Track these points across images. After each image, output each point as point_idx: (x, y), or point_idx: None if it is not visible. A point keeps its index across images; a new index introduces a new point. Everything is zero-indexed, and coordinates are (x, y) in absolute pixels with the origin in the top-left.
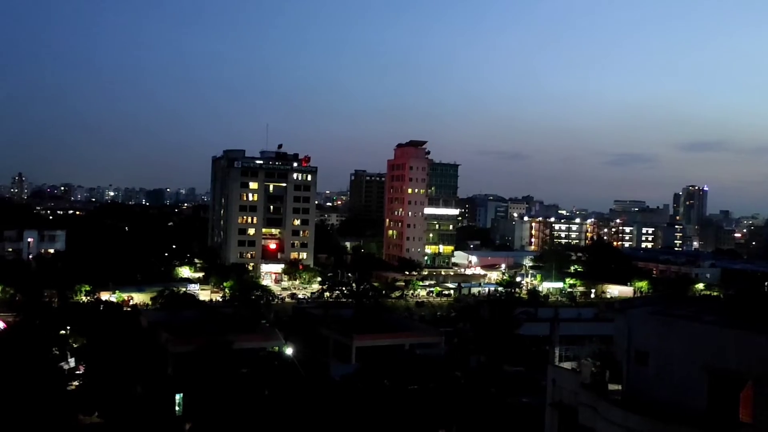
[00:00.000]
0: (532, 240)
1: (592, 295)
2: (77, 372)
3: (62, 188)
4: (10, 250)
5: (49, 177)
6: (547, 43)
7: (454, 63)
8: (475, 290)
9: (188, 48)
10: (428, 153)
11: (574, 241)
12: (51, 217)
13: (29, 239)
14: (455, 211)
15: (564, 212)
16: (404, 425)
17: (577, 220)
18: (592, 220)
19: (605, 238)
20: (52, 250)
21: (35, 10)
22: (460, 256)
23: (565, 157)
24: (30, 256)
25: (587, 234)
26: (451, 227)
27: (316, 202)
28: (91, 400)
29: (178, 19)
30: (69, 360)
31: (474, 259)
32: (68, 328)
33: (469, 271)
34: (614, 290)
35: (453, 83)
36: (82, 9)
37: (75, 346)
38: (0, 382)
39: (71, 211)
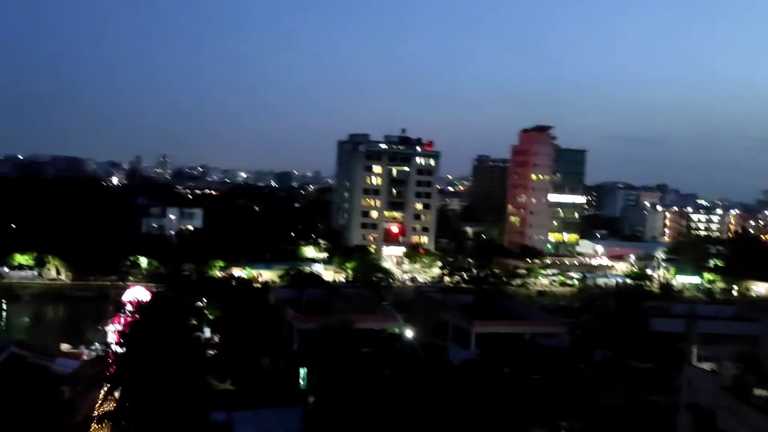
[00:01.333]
0: (666, 231)
1: (734, 293)
2: (212, 342)
3: (200, 169)
4: (155, 225)
5: (189, 159)
6: (678, 23)
7: (579, 46)
8: (601, 281)
9: (312, 35)
10: (554, 138)
11: (714, 234)
12: (190, 196)
13: (171, 216)
14: (581, 199)
15: (703, 202)
16: (525, 414)
17: (719, 211)
18: (736, 211)
19: (751, 230)
20: (190, 227)
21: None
22: (585, 246)
23: (703, 142)
24: (171, 232)
25: (729, 226)
26: (576, 215)
27: (438, 187)
28: (225, 368)
29: (295, 5)
30: (205, 330)
31: (600, 248)
32: (204, 300)
33: (594, 261)
34: (760, 288)
35: (579, 66)
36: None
37: (210, 317)
38: (149, 344)
39: (207, 191)
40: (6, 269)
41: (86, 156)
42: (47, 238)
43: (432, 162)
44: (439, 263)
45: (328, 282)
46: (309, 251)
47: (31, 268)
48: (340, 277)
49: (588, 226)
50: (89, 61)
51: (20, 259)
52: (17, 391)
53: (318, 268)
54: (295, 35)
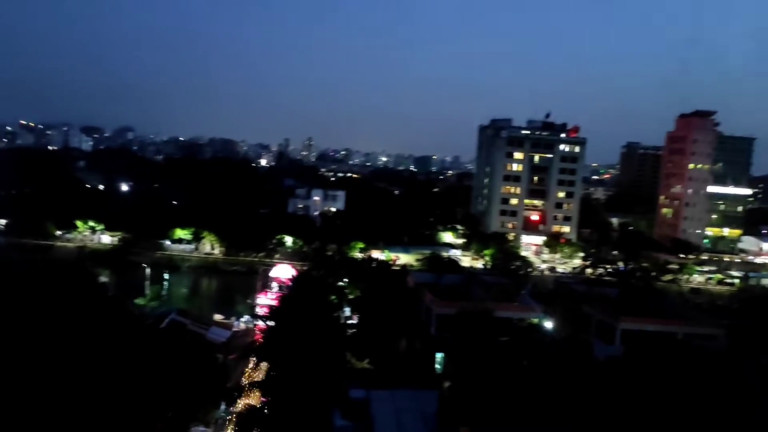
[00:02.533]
0: None
1: None
2: (351, 321)
3: (343, 152)
4: (300, 206)
5: (333, 142)
6: None
7: (741, 20)
8: (766, 281)
9: (456, 20)
10: (717, 125)
11: None
12: (333, 179)
13: (316, 198)
14: (746, 191)
15: None
16: (678, 418)
17: None
18: None
19: None
20: (333, 209)
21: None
22: (749, 242)
23: None
24: (315, 213)
25: None
26: (739, 209)
27: (583, 175)
28: (363, 348)
29: None
30: (345, 309)
31: (767, 246)
32: (345, 280)
33: (759, 260)
34: None
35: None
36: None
37: (351, 297)
38: (294, 319)
39: (349, 174)
40: (168, 242)
41: (239, 138)
42: (204, 214)
43: (577, 149)
44: (581, 254)
45: (465, 268)
46: (447, 236)
47: (189, 242)
48: (478, 264)
49: (753, 220)
50: (247, 52)
51: (180, 233)
52: (178, 354)
53: (455, 254)
54: (441, 24)
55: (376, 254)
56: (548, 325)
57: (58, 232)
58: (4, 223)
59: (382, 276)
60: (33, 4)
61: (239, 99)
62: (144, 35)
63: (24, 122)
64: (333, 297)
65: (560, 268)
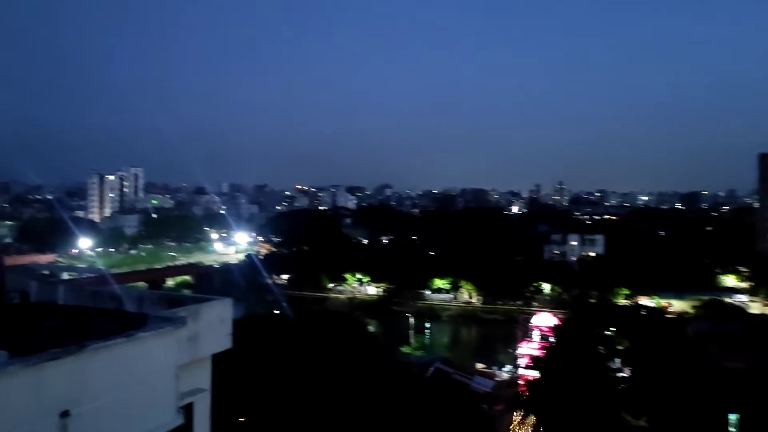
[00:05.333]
0: None
1: None
2: (622, 374)
3: (597, 194)
4: (557, 252)
5: (586, 184)
6: None
7: None
8: None
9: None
10: None
11: None
12: (589, 222)
13: (572, 243)
14: None
15: None
16: None
17: None
18: None
19: None
20: (591, 254)
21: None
22: None
23: None
24: (573, 259)
25: None
26: None
27: None
28: (639, 404)
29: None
30: (615, 360)
31: None
32: (611, 329)
33: None
34: None
35: None
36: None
37: (619, 348)
38: (561, 371)
39: (605, 216)
40: (428, 292)
41: (490, 187)
42: (460, 263)
43: None
44: None
45: (755, 315)
46: (728, 280)
47: (447, 291)
48: None
49: None
50: (493, 102)
51: (439, 283)
52: (444, 403)
53: (741, 299)
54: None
55: (643, 301)
56: None
57: (331, 285)
58: (287, 278)
59: (655, 325)
60: (295, 82)
61: (487, 149)
62: (394, 99)
63: (299, 186)
64: (600, 347)
65: None
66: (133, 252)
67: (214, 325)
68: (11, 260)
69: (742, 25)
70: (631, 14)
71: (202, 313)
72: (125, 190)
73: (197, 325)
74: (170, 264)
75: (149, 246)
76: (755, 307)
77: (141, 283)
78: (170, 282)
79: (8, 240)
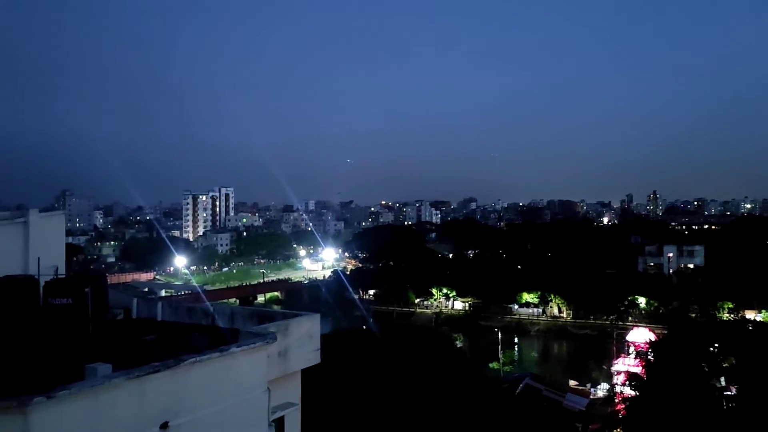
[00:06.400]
0: None
1: None
2: (728, 393)
3: (695, 203)
4: (652, 264)
5: (682, 193)
6: None
7: None
8: None
9: None
10: None
11: None
12: (686, 233)
13: (669, 254)
14: None
15: None
16: None
17: None
18: None
19: None
20: (690, 265)
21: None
22: None
23: None
24: (670, 271)
25: None
26: None
27: None
28: (747, 425)
29: None
30: (720, 379)
31: None
32: (715, 345)
33: None
34: None
35: None
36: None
37: (725, 365)
38: (661, 389)
39: (705, 226)
40: (515, 306)
41: (578, 198)
42: (549, 277)
43: None
44: None
45: None
46: None
47: (536, 305)
48: None
49: None
50: (585, 111)
51: (526, 297)
52: (536, 421)
53: None
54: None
55: (749, 315)
56: None
57: (417, 300)
58: (373, 293)
59: (763, 340)
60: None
61: (575, 159)
62: (477, 113)
63: (384, 202)
64: (703, 364)
65: None
66: (225, 269)
67: (303, 340)
68: (114, 278)
69: None
70: (721, 15)
71: (291, 328)
72: (217, 209)
73: (287, 341)
74: (260, 281)
75: (240, 263)
76: None
77: (233, 300)
78: (261, 298)
79: (111, 259)
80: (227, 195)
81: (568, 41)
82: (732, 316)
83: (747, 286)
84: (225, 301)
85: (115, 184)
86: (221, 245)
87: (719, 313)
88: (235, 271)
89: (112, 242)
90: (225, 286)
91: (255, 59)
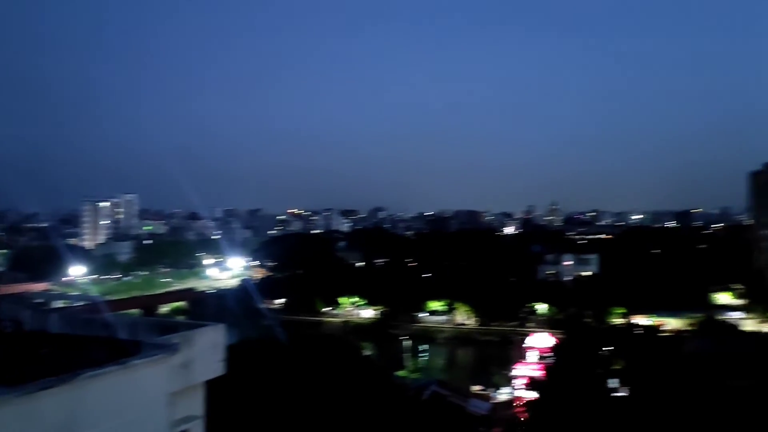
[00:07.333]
0: None
1: None
2: (620, 394)
3: (591, 214)
4: (551, 272)
5: (579, 205)
6: None
7: None
8: None
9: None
10: None
11: None
12: (582, 242)
13: (566, 262)
14: None
15: None
16: None
17: None
18: None
19: None
20: (586, 273)
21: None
22: None
23: None
24: (567, 278)
25: None
26: None
27: None
28: (638, 425)
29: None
30: (610, 381)
31: None
32: (607, 348)
33: None
34: None
35: None
36: None
37: (616, 367)
38: (558, 392)
39: (599, 236)
40: (423, 314)
41: (483, 209)
42: (455, 285)
43: None
44: None
45: (750, 333)
46: (722, 297)
47: (443, 313)
48: (766, 328)
49: None
50: (485, 124)
51: (433, 305)
52: (441, 426)
53: (736, 317)
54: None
55: (638, 319)
56: None
57: (325, 309)
58: (281, 302)
59: (650, 343)
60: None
61: (481, 170)
62: (386, 122)
63: (292, 210)
64: (597, 367)
65: None
66: (126, 278)
67: (207, 351)
68: (4, 289)
69: (730, 44)
70: (622, 35)
71: (195, 339)
72: (119, 216)
73: (190, 352)
74: (164, 290)
75: (143, 272)
76: (749, 324)
77: (134, 310)
78: (164, 308)
79: (2, 268)
80: (130, 202)
81: (471, 54)
82: (623, 320)
83: (636, 293)
84: (126, 312)
85: (11, 189)
86: (122, 253)
87: (611, 318)
88: (137, 280)
89: (2, 250)
90: (127, 296)
91: (163, 60)
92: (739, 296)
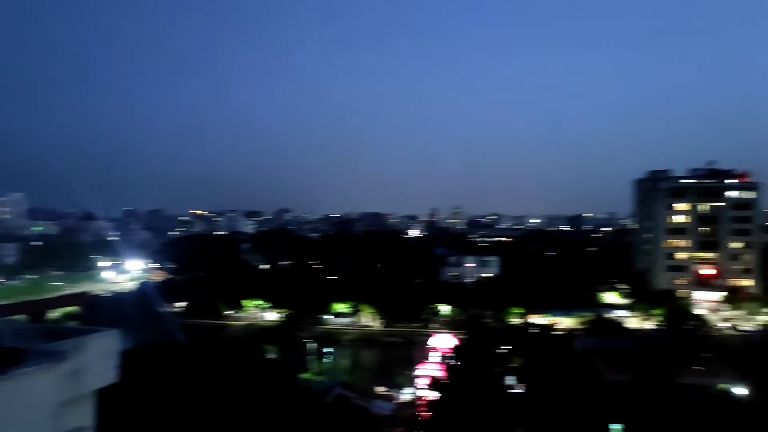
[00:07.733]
0: None
1: None
2: (516, 391)
3: (491, 217)
4: (454, 274)
5: (481, 208)
6: None
7: None
8: None
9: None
10: None
11: None
12: (484, 244)
13: (468, 264)
14: None
15: None
16: None
17: None
18: None
19: None
20: (487, 275)
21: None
22: None
23: None
24: (469, 280)
25: None
26: None
27: (764, 223)
28: (532, 419)
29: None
30: (509, 378)
31: None
32: (505, 347)
33: None
34: None
35: None
36: None
37: (513, 365)
38: (459, 390)
39: (500, 238)
40: (328, 316)
41: (388, 211)
42: (360, 287)
43: (751, 195)
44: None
45: (633, 330)
46: (609, 297)
47: (348, 315)
48: (647, 325)
49: None
50: (391, 127)
51: (339, 307)
52: (345, 427)
53: (621, 315)
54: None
55: (535, 319)
56: (742, 391)
57: (229, 312)
58: (183, 305)
59: (545, 342)
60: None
61: (386, 173)
62: (294, 121)
63: (195, 211)
64: (495, 366)
65: (744, 326)
66: (12, 282)
67: (99, 358)
68: None
69: (627, 56)
70: (517, 48)
71: (86, 345)
72: (4, 216)
73: (80, 359)
74: (54, 294)
75: (32, 275)
76: (633, 322)
77: (20, 316)
78: (55, 314)
79: None
80: (17, 201)
81: (380, 57)
82: (520, 320)
83: (533, 293)
84: (11, 317)
85: None
86: (8, 256)
87: (510, 318)
88: (25, 284)
89: None
90: (12, 301)
91: (73, 57)
92: (624, 296)
